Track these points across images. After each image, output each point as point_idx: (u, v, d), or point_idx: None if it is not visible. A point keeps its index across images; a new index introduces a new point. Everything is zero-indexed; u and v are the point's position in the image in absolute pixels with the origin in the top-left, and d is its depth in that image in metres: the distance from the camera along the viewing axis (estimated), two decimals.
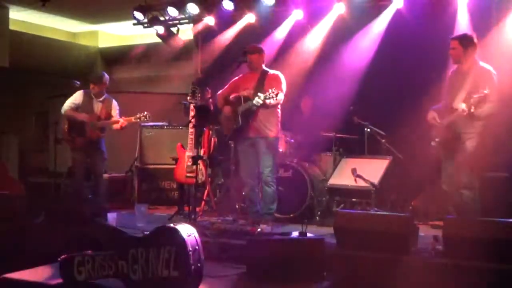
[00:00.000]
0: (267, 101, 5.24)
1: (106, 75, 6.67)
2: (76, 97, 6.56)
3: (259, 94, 5.25)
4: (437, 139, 5.26)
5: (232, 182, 6.81)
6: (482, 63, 5.13)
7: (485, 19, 6.30)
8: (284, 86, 5.55)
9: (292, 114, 6.64)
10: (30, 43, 10.14)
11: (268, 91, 5.21)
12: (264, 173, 5.58)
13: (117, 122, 6.45)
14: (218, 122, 5.85)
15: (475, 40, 5.14)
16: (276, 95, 5.20)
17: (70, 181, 6.98)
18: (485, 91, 4.73)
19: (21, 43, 9.85)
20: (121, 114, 6.67)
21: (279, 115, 5.65)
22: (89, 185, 6.67)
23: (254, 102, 5.31)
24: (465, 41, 5.12)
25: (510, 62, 5.90)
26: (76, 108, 6.50)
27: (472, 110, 4.84)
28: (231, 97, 5.72)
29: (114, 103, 6.62)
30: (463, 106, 4.89)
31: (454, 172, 5.17)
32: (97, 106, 6.54)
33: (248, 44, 5.85)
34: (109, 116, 6.52)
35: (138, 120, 6.41)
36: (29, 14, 10.02)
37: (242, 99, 5.55)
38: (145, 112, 6.39)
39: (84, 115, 6.43)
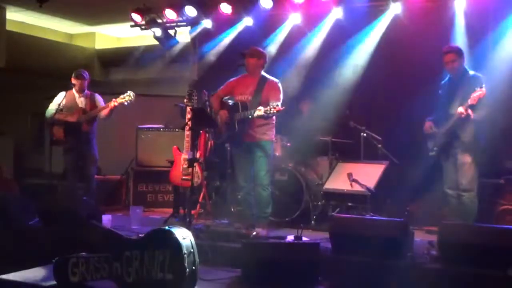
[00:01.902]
0: (266, 115, 5.25)
1: (86, 71, 6.74)
2: (58, 99, 6.61)
3: (259, 108, 5.25)
4: (435, 148, 5.34)
5: (228, 185, 6.79)
6: (472, 71, 5.30)
7: (481, 26, 6.32)
8: (281, 94, 5.56)
9: (289, 117, 6.63)
10: (26, 44, 10.10)
11: (270, 106, 5.20)
12: (259, 177, 5.59)
13: (103, 108, 6.46)
14: (215, 125, 5.83)
15: None
16: (277, 111, 5.19)
17: (65, 183, 6.98)
18: (483, 88, 4.91)
19: (18, 44, 9.81)
20: (117, 116, 6.67)
21: (274, 119, 5.65)
22: (83, 187, 6.67)
23: (255, 115, 5.31)
24: (460, 51, 5.34)
25: (505, 68, 5.94)
26: (61, 109, 6.52)
27: (469, 111, 5.03)
28: (225, 99, 5.73)
29: (98, 96, 6.65)
30: (460, 109, 5.08)
31: (454, 175, 5.28)
32: (81, 101, 6.60)
33: (245, 48, 5.85)
34: (94, 108, 6.56)
35: (123, 100, 6.39)
36: (26, 15, 10.00)
37: (240, 105, 5.55)
38: (129, 92, 6.40)
39: (69, 116, 6.47)
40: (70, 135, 6.47)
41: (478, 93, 4.93)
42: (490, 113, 5.12)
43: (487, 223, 5.28)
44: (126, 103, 6.41)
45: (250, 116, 5.42)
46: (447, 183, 5.39)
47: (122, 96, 6.41)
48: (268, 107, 5.20)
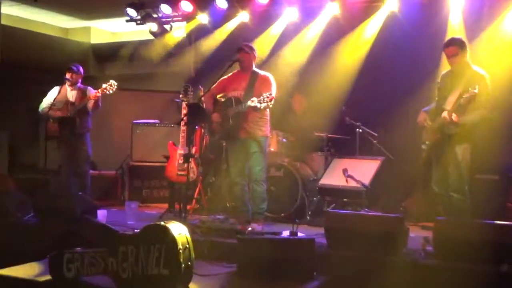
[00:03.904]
0: (259, 105, 5.23)
1: (79, 65, 6.74)
2: (51, 94, 6.61)
3: (253, 99, 5.24)
4: (427, 142, 5.28)
5: (223, 180, 6.79)
6: (475, 67, 5.13)
7: (477, 21, 6.32)
8: (274, 88, 5.53)
9: (284, 113, 6.63)
10: (22, 38, 10.05)
11: (262, 96, 5.19)
12: (254, 172, 5.57)
13: (87, 100, 6.42)
14: (210, 120, 5.83)
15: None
16: (270, 100, 5.18)
17: (58, 178, 6.97)
18: (475, 90, 4.72)
19: (13, 38, 9.76)
20: (113, 111, 6.65)
21: (268, 114, 5.64)
22: (78, 182, 6.66)
23: (247, 105, 5.29)
24: (462, 44, 5.10)
25: (501, 64, 5.93)
26: (53, 104, 6.49)
27: (453, 117, 4.87)
28: (218, 97, 5.73)
29: (90, 89, 6.58)
30: (444, 113, 4.93)
31: (444, 174, 5.17)
32: (71, 95, 6.58)
33: (241, 43, 5.84)
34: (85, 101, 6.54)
35: (105, 90, 6.37)
36: (21, 9, 9.95)
37: (233, 100, 5.54)
38: (110, 81, 6.40)
39: (59, 111, 6.47)
40: (63, 130, 6.44)
41: (469, 95, 4.74)
42: (488, 112, 4.96)
43: (483, 219, 5.28)
44: (108, 92, 6.38)
45: (244, 109, 5.41)
46: (435, 182, 5.25)
47: (104, 86, 6.38)
48: (261, 97, 5.19)
